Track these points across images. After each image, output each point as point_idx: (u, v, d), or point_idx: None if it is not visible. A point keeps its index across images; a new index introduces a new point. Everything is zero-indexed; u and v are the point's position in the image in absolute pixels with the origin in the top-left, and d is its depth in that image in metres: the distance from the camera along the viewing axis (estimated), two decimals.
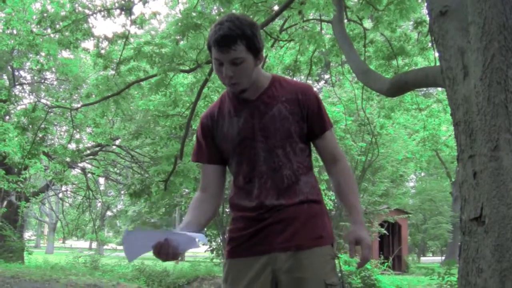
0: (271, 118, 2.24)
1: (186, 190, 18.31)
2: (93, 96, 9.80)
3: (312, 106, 2.28)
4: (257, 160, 2.24)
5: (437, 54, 3.72)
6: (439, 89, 15.17)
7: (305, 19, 8.93)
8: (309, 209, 2.23)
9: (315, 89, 2.45)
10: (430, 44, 9.55)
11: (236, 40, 2.10)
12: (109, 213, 40.65)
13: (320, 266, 2.15)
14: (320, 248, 2.19)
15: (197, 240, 2.06)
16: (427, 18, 6.40)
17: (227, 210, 19.35)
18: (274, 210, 2.19)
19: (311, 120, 2.28)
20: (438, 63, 3.59)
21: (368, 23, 11.00)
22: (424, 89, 22.52)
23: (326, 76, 23.99)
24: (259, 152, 2.24)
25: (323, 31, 10.44)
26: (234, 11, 7.16)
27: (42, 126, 10.06)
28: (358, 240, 2.18)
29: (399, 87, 5.81)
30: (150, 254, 2.08)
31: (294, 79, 7.99)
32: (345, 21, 8.84)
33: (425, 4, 3.80)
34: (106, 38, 9.40)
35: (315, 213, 2.24)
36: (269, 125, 2.24)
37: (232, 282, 2.24)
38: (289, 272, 2.13)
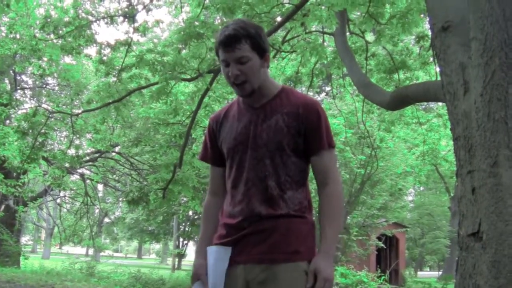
0: (267, 128, 2.25)
1: (184, 199, 18.25)
2: (94, 102, 9.81)
3: (311, 121, 2.25)
4: (245, 167, 2.25)
5: (438, 69, 3.73)
6: (440, 103, 15.20)
7: (307, 31, 8.96)
8: (290, 223, 2.20)
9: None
10: (431, 59, 9.57)
11: (240, 39, 2.16)
12: (106, 219, 40.51)
13: (292, 282, 2.12)
14: (296, 263, 2.15)
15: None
16: (429, 33, 6.44)
17: None
18: (253, 219, 2.19)
19: (308, 135, 2.25)
20: (439, 78, 3.59)
21: (370, 36, 11.03)
22: (425, 103, 22.52)
23: (327, 88, 24.00)
24: (248, 159, 2.25)
25: (325, 43, 10.46)
26: None
27: (42, 131, 10.06)
28: (315, 271, 2.12)
29: (399, 100, 5.83)
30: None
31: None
32: (348, 33, 8.87)
33: (428, 19, 3.82)
34: (108, 45, 9.43)
35: (295, 227, 2.20)
36: (262, 134, 2.24)
37: None
38: (262, 285, 2.13)
